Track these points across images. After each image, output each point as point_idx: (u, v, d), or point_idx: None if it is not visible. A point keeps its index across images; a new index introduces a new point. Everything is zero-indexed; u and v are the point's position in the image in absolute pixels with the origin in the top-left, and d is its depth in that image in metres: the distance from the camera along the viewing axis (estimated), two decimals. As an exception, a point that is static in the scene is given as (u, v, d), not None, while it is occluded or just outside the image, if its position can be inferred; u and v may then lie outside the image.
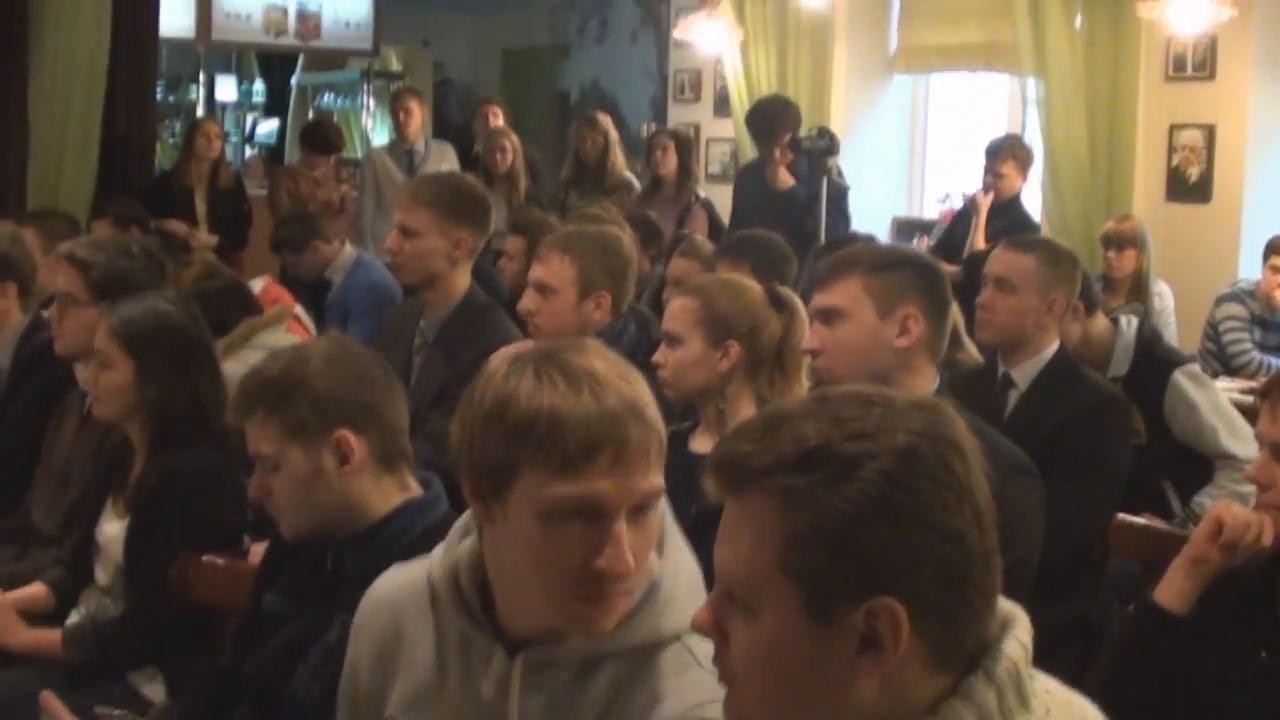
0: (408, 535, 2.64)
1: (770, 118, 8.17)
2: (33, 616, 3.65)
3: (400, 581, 2.20)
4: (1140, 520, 4.07)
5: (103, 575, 3.65)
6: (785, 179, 7.88)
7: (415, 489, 2.74)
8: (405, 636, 2.14)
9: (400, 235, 4.42)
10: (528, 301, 4.25)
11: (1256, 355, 6.99)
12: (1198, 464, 4.86)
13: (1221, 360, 6.97)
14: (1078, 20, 8.02)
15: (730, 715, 1.59)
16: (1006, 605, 1.60)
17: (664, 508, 2.00)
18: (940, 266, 3.62)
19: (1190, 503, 4.80)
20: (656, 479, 1.92)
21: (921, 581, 1.48)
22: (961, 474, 1.52)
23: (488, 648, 2.01)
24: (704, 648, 1.83)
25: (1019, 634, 1.58)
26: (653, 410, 1.92)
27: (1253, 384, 6.33)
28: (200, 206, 9.09)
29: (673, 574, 2.01)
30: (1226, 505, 2.77)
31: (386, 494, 2.70)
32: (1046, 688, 1.61)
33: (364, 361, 2.76)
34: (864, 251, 3.56)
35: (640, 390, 1.92)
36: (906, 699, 1.52)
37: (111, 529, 3.62)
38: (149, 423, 3.59)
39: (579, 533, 1.88)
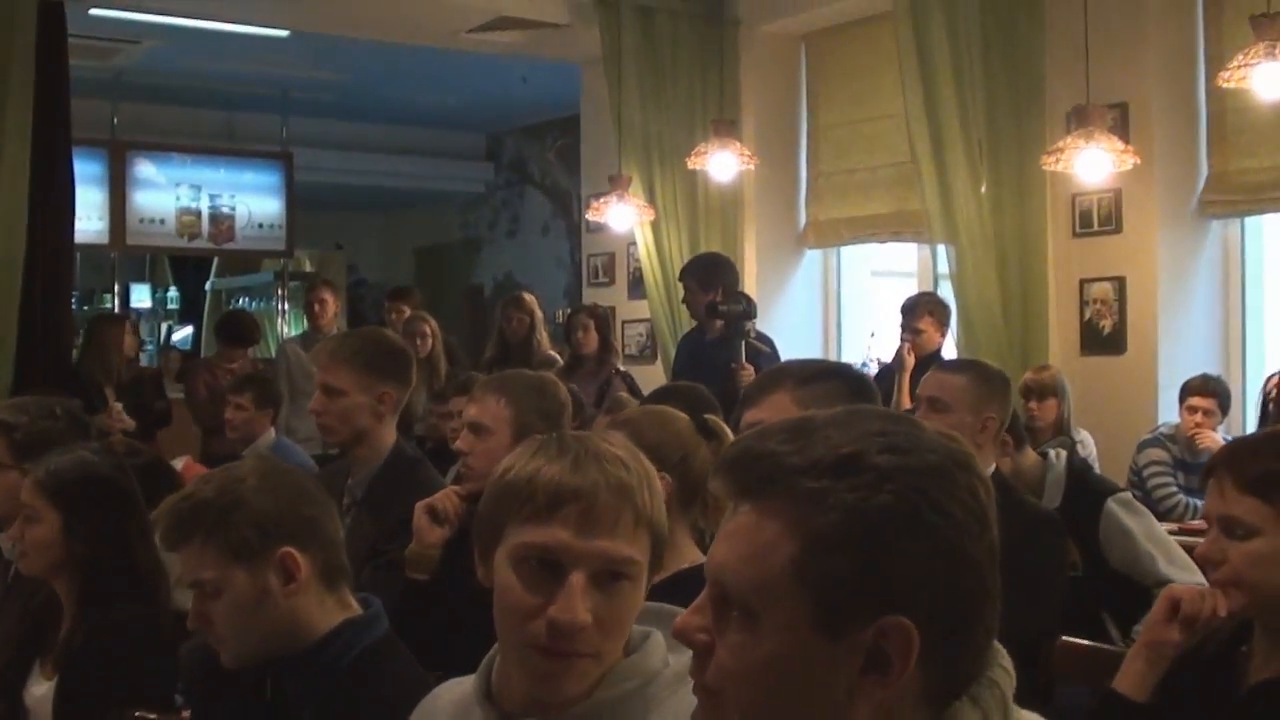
0: (349, 654, 2.58)
1: (709, 265, 8.35)
2: (-45, 791, 3.51)
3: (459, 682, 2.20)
4: (1085, 642, 4.02)
5: (30, 740, 3.52)
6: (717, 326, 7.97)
7: (355, 607, 2.68)
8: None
9: (324, 395, 4.35)
10: (463, 442, 4.18)
11: (1182, 498, 6.97)
12: (1136, 594, 4.79)
13: (1147, 505, 6.92)
14: (983, 185, 8.16)
15: None
16: None
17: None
18: (869, 377, 3.61)
19: (1130, 633, 4.75)
20: (625, 548, 1.94)
21: (938, 606, 1.43)
22: (986, 504, 1.48)
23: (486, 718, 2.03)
24: None
25: (1003, 662, 1.53)
26: (643, 495, 1.97)
27: (1179, 526, 6.36)
28: (111, 401, 8.97)
29: (670, 684, 1.98)
30: (1175, 586, 2.78)
31: (329, 613, 2.63)
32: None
33: (298, 477, 2.71)
34: (791, 366, 3.55)
35: (635, 475, 1.98)
36: None
37: (39, 690, 3.49)
38: (77, 578, 3.48)
39: (540, 580, 1.92)
